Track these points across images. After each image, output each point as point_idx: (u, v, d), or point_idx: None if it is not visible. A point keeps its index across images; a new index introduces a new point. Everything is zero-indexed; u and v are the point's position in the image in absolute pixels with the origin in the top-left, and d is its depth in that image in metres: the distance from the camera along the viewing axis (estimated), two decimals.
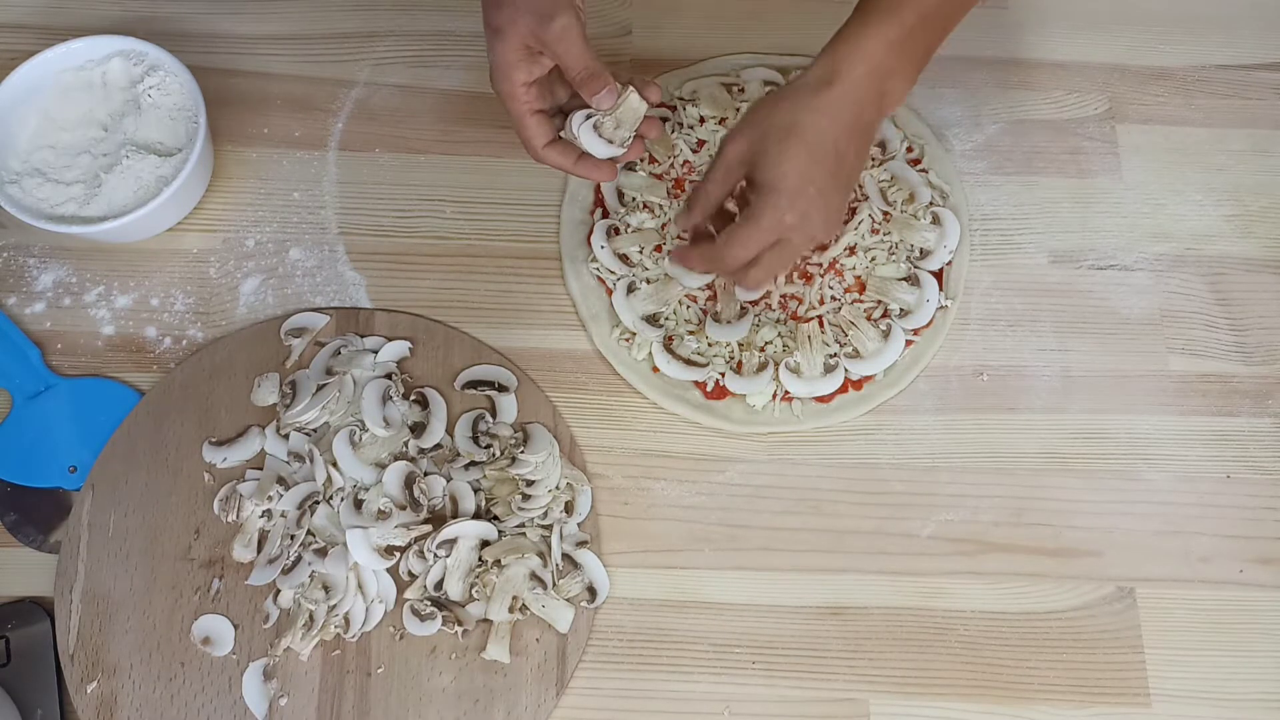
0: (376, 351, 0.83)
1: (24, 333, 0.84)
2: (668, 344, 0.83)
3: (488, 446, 0.80)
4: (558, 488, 0.79)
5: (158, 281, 0.86)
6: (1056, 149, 0.92)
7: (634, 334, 0.83)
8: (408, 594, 0.76)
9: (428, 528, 0.77)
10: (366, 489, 0.78)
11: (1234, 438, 0.83)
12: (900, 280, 0.85)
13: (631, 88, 0.74)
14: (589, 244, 0.86)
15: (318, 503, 0.77)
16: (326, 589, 0.75)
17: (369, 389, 0.80)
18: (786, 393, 0.82)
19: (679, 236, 0.85)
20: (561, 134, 0.77)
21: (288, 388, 0.81)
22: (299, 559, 0.76)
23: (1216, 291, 0.87)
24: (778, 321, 0.84)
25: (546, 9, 0.70)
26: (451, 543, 0.76)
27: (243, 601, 0.77)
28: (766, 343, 0.83)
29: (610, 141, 0.76)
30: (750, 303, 0.83)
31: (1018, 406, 0.84)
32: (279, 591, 0.76)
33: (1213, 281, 0.88)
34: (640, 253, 0.86)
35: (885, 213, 0.87)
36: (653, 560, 0.79)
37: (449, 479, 0.79)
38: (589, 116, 0.75)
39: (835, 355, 0.83)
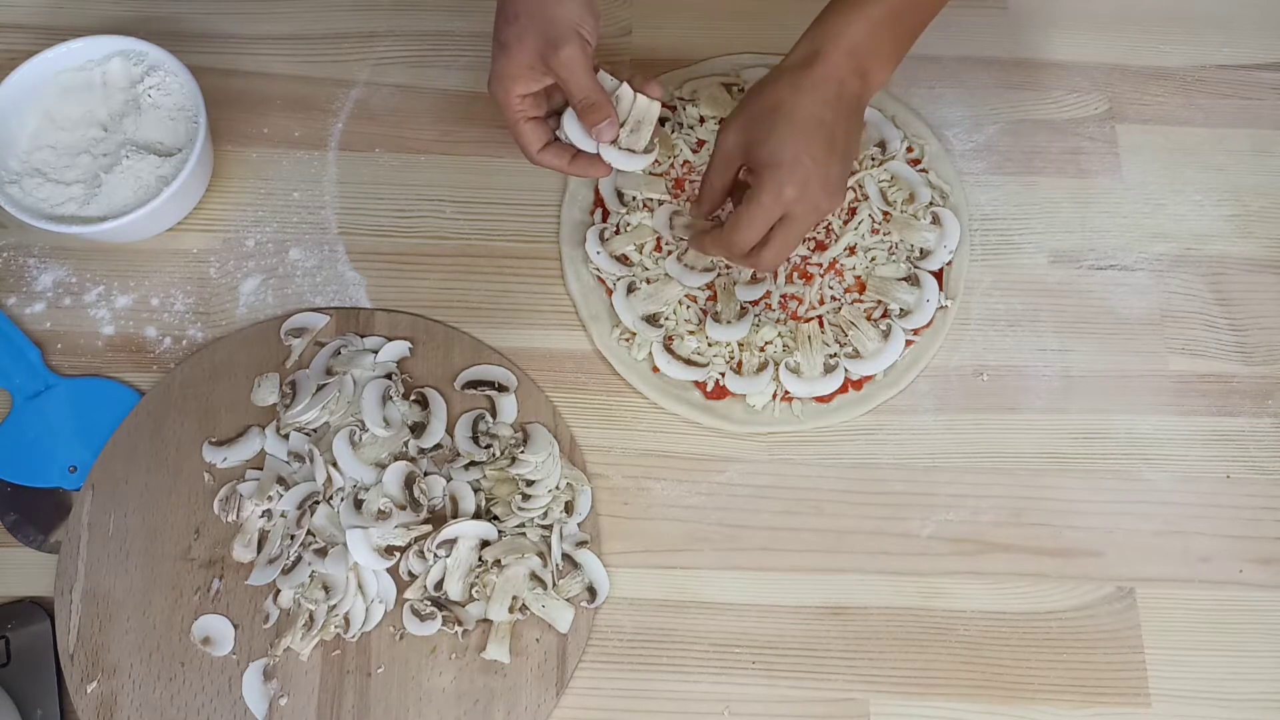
0: (376, 351, 0.83)
1: (24, 333, 0.84)
2: (668, 344, 0.83)
3: (488, 446, 0.80)
4: (558, 488, 0.79)
5: (158, 281, 0.86)
6: (1056, 149, 0.92)
7: (634, 334, 0.83)
8: (408, 594, 0.76)
9: (428, 528, 0.77)
10: (366, 489, 0.77)
11: (1234, 438, 0.83)
12: (900, 280, 0.85)
13: (626, 84, 0.75)
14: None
15: (318, 503, 0.77)
16: (326, 589, 0.75)
17: (369, 389, 0.80)
18: (786, 393, 0.82)
19: (682, 238, 0.85)
20: (557, 134, 0.78)
21: (288, 388, 0.81)
22: (299, 559, 0.76)
23: (1216, 291, 0.87)
24: (778, 321, 0.84)
25: (554, 36, 0.72)
26: (451, 543, 0.76)
27: (243, 601, 0.77)
28: (766, 343, 0.83)
29: (633, 150, 0.77)
30: (750, 302, 0.83)
31: (1018, 406, 0.84)
32: (279, 591, 0.76)
33: (1213, 281, 0.88)
34: (640, 252, 0.86)
35: (885, 213, 0.87)
36: (653, 560, 0.79)
37: (449, 479, 0.79)
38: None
39: (835, 355, 0.83)
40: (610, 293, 0.85)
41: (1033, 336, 0.86)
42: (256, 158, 0.91)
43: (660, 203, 0.87)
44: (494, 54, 0.75)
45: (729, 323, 0.83)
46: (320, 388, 0.81)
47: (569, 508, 0.79)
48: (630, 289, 0.84)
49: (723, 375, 0.82)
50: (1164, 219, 0.90)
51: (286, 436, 0.80)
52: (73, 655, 0.75)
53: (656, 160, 0.88)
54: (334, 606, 0.75)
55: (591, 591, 0.77)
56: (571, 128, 0.76)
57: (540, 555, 0.76)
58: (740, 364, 0.83)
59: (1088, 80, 0.94)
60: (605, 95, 0.74)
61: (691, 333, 0.84)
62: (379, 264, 0.87)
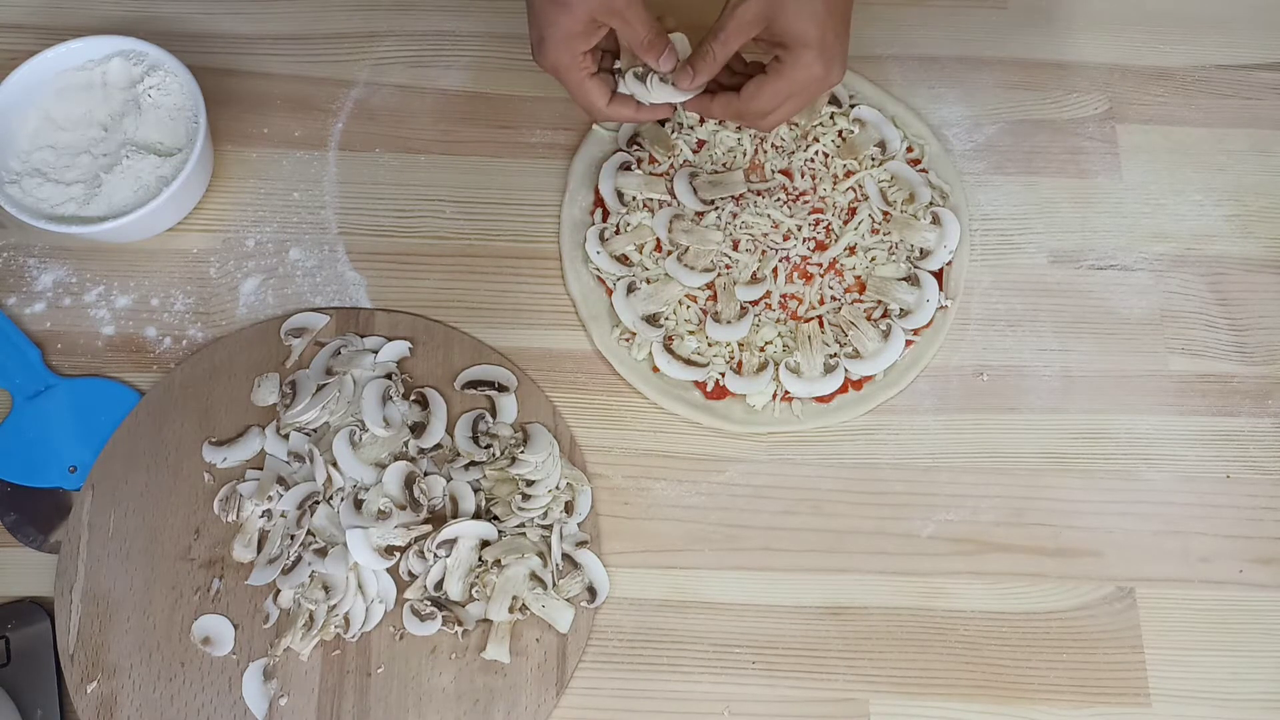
0: (376, 351, 0.83)
1: (24, 333, 0.84)
2: (668, 344, 0.83)
3: (488, 446, 0.80)
4: (558, 488, 0.79)
5: (158, 281, 0.86)
6: (1056, 149, 0.92)
7: (634, 334, 0.83)
8: (408, 594, 0.76)
9: (428, 528, 0.77)
10: (366, 489, 0.77)
11: (1234, 438, 0.83)
12: (900, 280, 0.85)
13: (680, 33, 0.78)
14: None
15: (318, 503, 0.77)
16: (326, 589, 0.75)
17: (369, 389, 0.80)
18: (786, 393, 0.82)
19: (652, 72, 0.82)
20: (619, 89, 0.79)
21: (288, 388, 0.81)
22: (299, 559, 0.76)
23: (1216, 291, 0.87)
24: (778, 321, 0.84)
25: None
26: (451, 543, 0.76)
27: (243, 601, 0.77)
28: (766, 343, 0.83)
29: (673, 85, 0.78)
30: (750, 302, 0.83)
31: (1018, 406, 0.84)
32: (279, 591, 0.76)
33: (1213, 281, 0.88)
34: (640, 252, 0.86)
35: (885, 213, 0.87)
36: (653, 560, 0.79)
37: (449, 479, 0.79)
38: (645, 73, 0.78)
39: (835, 355, 0.83)
40: (610, 293, 0.85)
41: (1033, 336, 0.86)
42: (256, 158, 0.91)
43: (661, 203, 0.87)
44: (548, 18, 0.74)
45: (729, 323, 0.83)
46: (320, 388, 0.81)
47: (569, 508, 0.79)
48: (630, 289, 0.84)
49: (723, 375, 0.82)
50: (1164, 219, 0.90)
51: (286, 436, 0.80)
52: (73, 655, 0.75)
53: (655, 160, 0.88)
54: (334, 606, 0.75)
55: (591, 591, 0.77)
56: (634, 83, 0.78)
57: (540, 555, 0.76)
58: (740, 364, 0.83)
59: (1088, 80, 0.94)
60: (662, 31, 0.75)
61: (691, 333, 0.84)
62: (379, 264, 0.87)
